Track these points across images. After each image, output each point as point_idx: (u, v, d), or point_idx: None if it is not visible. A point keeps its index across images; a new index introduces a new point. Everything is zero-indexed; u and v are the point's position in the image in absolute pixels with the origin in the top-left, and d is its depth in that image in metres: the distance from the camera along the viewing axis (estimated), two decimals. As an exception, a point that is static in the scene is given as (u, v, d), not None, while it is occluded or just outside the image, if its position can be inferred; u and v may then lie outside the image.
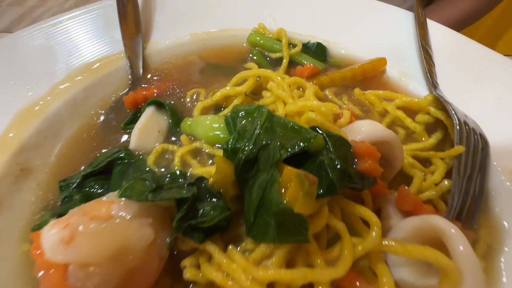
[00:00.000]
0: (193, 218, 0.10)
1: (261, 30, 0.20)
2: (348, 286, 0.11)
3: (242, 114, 0.13)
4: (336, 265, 0.10)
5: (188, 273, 0.10)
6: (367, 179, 0.11)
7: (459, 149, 0.14)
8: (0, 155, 0.13)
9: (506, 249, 0.12)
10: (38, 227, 0.13)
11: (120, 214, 0.10)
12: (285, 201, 0.09)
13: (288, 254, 0.11)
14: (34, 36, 0.17)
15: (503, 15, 0.77)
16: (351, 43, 0.19)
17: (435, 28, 0.19)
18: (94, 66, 0.16)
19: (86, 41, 0.17)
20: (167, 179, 0.12)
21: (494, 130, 0.14)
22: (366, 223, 0.12)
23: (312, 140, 0.10)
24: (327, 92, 0.17)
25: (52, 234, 0.09)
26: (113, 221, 0.09)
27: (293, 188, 0.09)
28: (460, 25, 0.39)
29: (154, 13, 0.20)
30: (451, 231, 0.11)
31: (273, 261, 0.10)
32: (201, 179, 0.12)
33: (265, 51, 0.20)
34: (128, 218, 0.10)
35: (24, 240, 0.13)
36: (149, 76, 0.18)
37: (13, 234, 0.13)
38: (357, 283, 0.11)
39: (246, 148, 0.11)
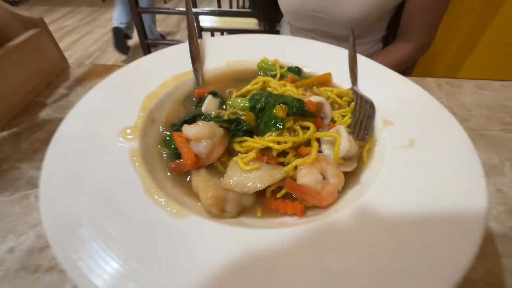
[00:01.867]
0: (238, 128, 0.24)
1: (265, 60, 0.36)
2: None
3: (256, 95, 0.28)
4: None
5: (236, 147, 0.24)
6: (310, 113, 0.25)
7: (353, 106, 0.28)
8: (144, 114, 0.27)
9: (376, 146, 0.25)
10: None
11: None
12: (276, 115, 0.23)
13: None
14: (143, 63, 0.33)
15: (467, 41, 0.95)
16: (314, 67, 0.35)
17: (361, 58, 0.35)
18: (179, 76, 0.32)
19: (174, 64, 0.33)
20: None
21: (379, 103, 0.28)
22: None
23: (287, 98, 0.24)
24: (299, 89, 0.32)
25: (186, 128, 0.23)
26: (208, 123, 0.23)
27: (278, 110, 0.23)
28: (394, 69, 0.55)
29: (206, 51, 0.36)
30: (342, 128, 0.24)
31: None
32: (239, 119, 0.26)
33: (267, 70, 0.35)
34: (214, 124, 0.24)
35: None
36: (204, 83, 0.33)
37: (155, 146, 0.26)
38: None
39: (259, 105, 0.25)
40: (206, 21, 1.31)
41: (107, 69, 0.44)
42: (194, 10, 1.11)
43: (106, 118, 0.25)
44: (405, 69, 0.81)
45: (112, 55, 2.11)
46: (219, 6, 2.04)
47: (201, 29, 1.43)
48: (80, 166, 0.21)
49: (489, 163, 0.30)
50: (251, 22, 1.32)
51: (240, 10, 1.62)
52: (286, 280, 0.15)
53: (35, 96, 0.39)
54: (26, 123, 0.34)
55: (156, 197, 0.20)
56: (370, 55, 0.63)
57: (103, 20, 2.93)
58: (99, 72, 0.44)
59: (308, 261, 0.16)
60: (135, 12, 1.02)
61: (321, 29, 0.60)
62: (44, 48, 0.41)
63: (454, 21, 0.91)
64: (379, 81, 0.31)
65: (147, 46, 1.13)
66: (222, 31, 1.29)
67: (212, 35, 1.33)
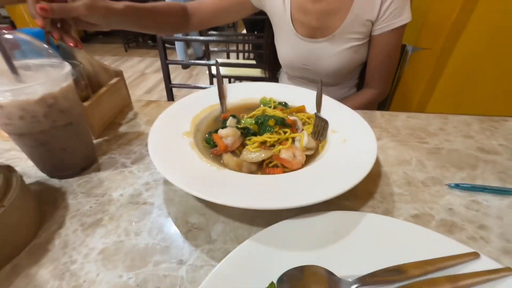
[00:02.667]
0: (247, 132, 0.43)
1: (264, 98, 0.56)
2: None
3: (259, 117, 0.47)
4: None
5: (247, 141, 0.42)
6: (288, 125, 0.44)
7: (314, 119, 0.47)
8: (193, 126, 0.46)
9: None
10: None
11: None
12: (269, 124, 0.42)
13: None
14: (190, 99, 0.54)
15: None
16: (296, 103, 0.56)
17: (326, 97, 0.56)
18: (212, 106, 0.52)
19: (209, 99, 0.54)
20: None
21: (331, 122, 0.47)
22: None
23: (276, 116, 0.44)
24: (284, 113, 0.51)
25: (221, 131, 0.41)
26: (232, 128, 0.42)
27: (270, 121, 0.42)
28: (359, 108, 0.65)
29: (228, 92, 0.57)
30: (305, 132, 0.42)
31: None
32: (248, 127, 0.45)
33: (265, 104, 0.55)
34: (235, 129, 0.43)
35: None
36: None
37: (201, 142, 0.45)
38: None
39: (260, 120, 0.45)
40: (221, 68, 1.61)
41: (156, 103, 0.65)
42: (210, 62, 1.40)
43: (174, 127, 0.45)
44: (381, 105, 1.05)
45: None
46: (227, 57, 2.41)
47: (213, 76, 1.73)
48: (165, 146, 0.39)
49: (403, 158, 0.48)
50: (256, 71, 1.62)
51: (249, 62, 1.95)
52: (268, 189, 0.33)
53: (114, 118, 0.59)
54: (111, 134, 0.54)
55: (206, 162, 0.38)
56: (345, 97, 0.85)
57: (127, 66, 3.36)
58: (150, 104, 0.65)
59: (279, 182, 0.34)
60: (164, 62, 1.30)
61: (309, 77, 0.83)
62: (121, 89, 0.62)
63: (418, 63, 1.17)
64: (334, 110, 0.51)
65: (170, 89, 1.39)
66: (232, 77, 1.57)
67: (229, 81, 1.62)
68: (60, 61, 0.38)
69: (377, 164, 0.46)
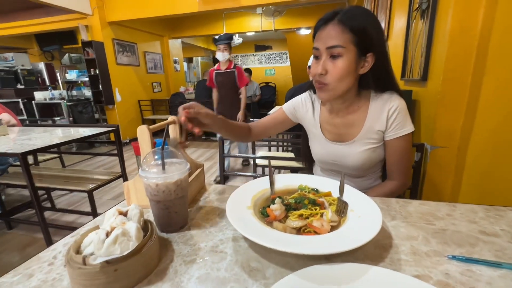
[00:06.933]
0: (289, 208, 0.64)
1: (301, 185, 0.78)
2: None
3: (297, 198, 0.68)
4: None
5: (289, 213, 0.62)
6: (318, 204, 0.63)
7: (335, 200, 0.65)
8: (252, 202, 0.69)
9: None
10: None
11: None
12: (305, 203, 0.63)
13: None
14: (250, 184, 0.79)
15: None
16: (324, 188, 0.76)
17: (347, 186, 0.75)
18: (263, 189, 0.76)
19: (262, 184, 0.78)
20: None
21: (350, 204, 0.66)
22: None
23: (309, 198, 0.64)
24: (315, 196, 0.72)
25: (272, 206, 0.62)
26: (279, 204, 0.63)
27: (306, 202, 0.63)
28: (382, 197, 0.78)
29: (276, 179, 0.81)
30: (330, 210, 0.60)
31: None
32: (290, 204, 0.66)
33: (302, 189, 0.76)
34: (281, 204, 0.64)
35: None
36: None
37: (258, 212, 0.66)
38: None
39: (298, 200, 0.65)
40: (261, 160, 1.94)
41: (222, 187, 0.91)
42: (254, 155, 1.73)
43: (240, 202, 0.67)
44: (412, 196, 1.18)
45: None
46: (269, 150, 2.81)
47: (256, 165, 2.05)
48: (236, 215, 0.61)
49: (411, 235, 0.61)
50: (293, 162, 1.90)
51: (287, 155, 2.29)
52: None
53: (196, 195, 0.85)
54: (194, 206, 0.79)
55: (262, 225, 0.58)
56: (370, 187, 1.03)
57: (185, 156, 3.98)
58: (218, 187, 0.91)
59: (312, 240, 0.51)
60: (221, 155, 1.66)
61: (337, 170, 1.05)
62: (201, 176, 0.91)
63: (440, 159, 1.31)
64: (353, 195, 0.70)
65: (223, 176, 1.71)
66: (273, 167, 1.86)
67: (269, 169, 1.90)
68: (183, 161, 0.68)
69: (389, 238, 0.60)
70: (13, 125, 2.15)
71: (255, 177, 2.57)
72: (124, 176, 1.89)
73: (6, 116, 2.23)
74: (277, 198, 0.69)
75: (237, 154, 1.87)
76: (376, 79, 0.78)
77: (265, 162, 2.21)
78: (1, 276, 0.51)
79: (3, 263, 1.68)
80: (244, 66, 8.88)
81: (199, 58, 9.65)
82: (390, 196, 0.97)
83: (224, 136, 0.92)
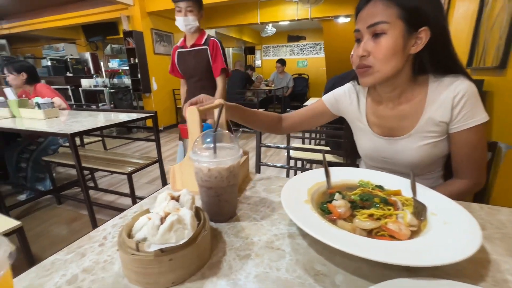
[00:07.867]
0: (354, 205, 0.55)
1: (362, 180, 0.69)
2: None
3: (363, 195, 0.59)
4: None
5: (355, 212, 0.54)
6: (390, 203, 0.54)
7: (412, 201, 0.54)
8: (309, 196, 0.62)
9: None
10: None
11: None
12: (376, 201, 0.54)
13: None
14: (304, 175, 0.71)
15: None
16: (389, 186, 0.66)
17: (421, 187, 0.64)
18: (320, 182, 0.68)
19: (318, 177, 0.70)
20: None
21: (429, 205, 0.55)
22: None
23: (380, 196, 0.56)
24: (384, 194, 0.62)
25: (334, 202, 0.55)
26: (343, 201, 0.55)
27: (376, 199, 0.54)
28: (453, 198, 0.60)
29: (331, 173, 0.73)
30: (408, 211, 0.51)
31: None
32: (355, 201, 0.57)
33: (364, 185, 0.68)
34: (346, 201, 0.56)
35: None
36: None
37: (318, 207, 0.58)
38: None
39: (364, 198, 0.57)
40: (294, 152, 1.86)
41: (268, 177, 0.85)
42: (288, 146, 1.64)
43: (295, 196, 0.60)
44: (478, 199, 1.00)
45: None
46: (303, 142, 2.70)
47: (290, 158, 1.97)
48: (294, 210, 0.54)
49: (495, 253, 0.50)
50: (329, 156, 1.78)
51: (323, 148, 2.17)
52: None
53: (241, 184, 0.80)
54: (240, 196, 0.73)
55: (326, 223, 0.50)
56: (434, 186, 0.89)
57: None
58: (263, 177, 0.85)
59: (390, 246, 0.42)
60: (258, 146, 1.60)
61: (388, 168, 0.92)
62: (245, 163, 0.86)
63: None
64: (429, 196, 0.59)
65: (259, 166, 1.65)
66: (305, 160, 1.76)
67: (302, 164, 1.81)
68: (234, 146, 0.62)
69: (483, 251, 0.49)
70: (64, 109, 2.29)
71: (288, 169, 2.50)
72: (160, 161, 1.92)
73: (58, 100, 2.40)
74: (337, 193, 0.60)
75: (270, 144, 1.81)
76: (434, 60, 0.64)
77: (299, 154, 2.12)
78: (55, 252, 0.50)
79: (54, 234, 1.81)
80: (276, 58, 8.70)
81: (231, 49, 9.65)
82: (457, 198, 0.82)
83: (245, 124, 0.84)
